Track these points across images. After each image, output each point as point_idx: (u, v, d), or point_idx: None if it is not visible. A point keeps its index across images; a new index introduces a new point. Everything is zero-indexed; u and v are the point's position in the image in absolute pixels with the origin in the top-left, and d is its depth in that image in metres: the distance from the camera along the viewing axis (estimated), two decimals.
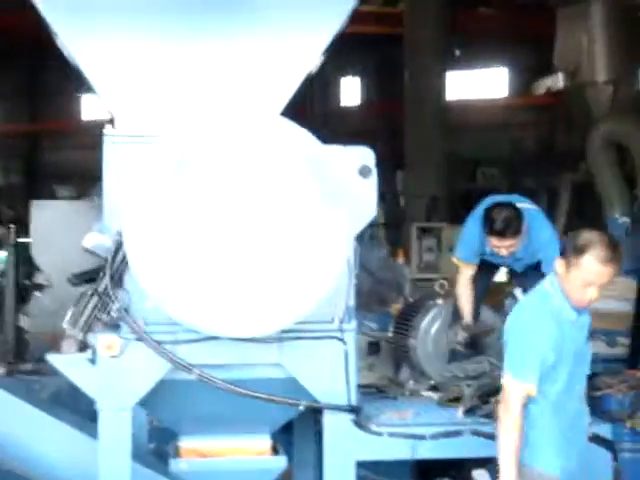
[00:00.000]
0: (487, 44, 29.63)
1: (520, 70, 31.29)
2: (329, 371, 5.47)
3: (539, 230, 6.60)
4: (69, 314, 5.41)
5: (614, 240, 4.63)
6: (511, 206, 6.42)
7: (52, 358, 5.37)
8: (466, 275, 6.76)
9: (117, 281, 5.35)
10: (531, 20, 26.19)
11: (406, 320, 7.23)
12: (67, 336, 5.35)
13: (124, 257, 5.27)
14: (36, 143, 35.77)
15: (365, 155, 5.59)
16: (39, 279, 12.51)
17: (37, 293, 12.39)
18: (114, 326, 5.39)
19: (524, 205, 6.57)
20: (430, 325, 6.99)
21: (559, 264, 4.67)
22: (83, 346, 5.40)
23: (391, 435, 5.59)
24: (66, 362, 5.36)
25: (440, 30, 21.93)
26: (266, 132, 5.04)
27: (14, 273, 12.14)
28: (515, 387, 4.67)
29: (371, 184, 5.54)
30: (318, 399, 5.48)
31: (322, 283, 5.02)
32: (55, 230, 11.99)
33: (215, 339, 5.23)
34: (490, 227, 6.34)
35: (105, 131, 5.46)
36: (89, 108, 34.95)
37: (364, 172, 5.46)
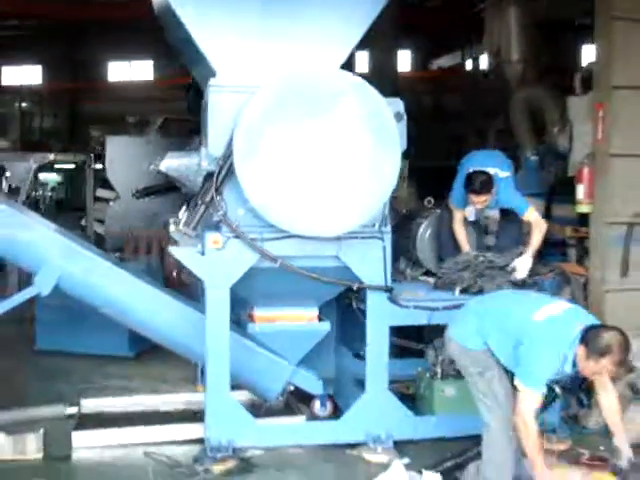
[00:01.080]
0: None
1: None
2: (372, 261, 5.42)
3: (504, 190, 6.56)
4: (184, 218, 5.18)
5: (627, 342, 4.14)
6: (486, 173, 6.41)
7: (173, 250, 5.19)
8: (459, 216, 6.70)
9: (219, 193, 5.09)
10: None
11: (404, 226, 7.10)
12: (183, 234, 5.12)
13: (225, 176, 5.08)
14: (76, 96, 35.06)
15: (398, 104, 5.38)
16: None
17: (111, 203, 12.24)
18: (216, 227, 5.27)
19: (495, 171, 6.52)
20: (426, 230, 6.87)
21: (581, 351, 4.11)
22: (194, 242, 5.19)
23: (415, 307, 5.57)
24: (183, 253, 5.19)
25: None
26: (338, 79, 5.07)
27: (93, 189, 11.94)
28: (530, 396, 4.19)
29: (402, 126, 5.32)
30: (363, 281, 5.39)
31: (378, 199, 5.15)
32: (123, 157, 11.86)
33: (290, 237, 5.22)
34: (471, 187, 6.34)
35: (210, 82, 5.14)
36: (113, 72, 34.32)
37: (398, 117, 5.28)
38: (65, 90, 34.54)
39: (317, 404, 6.12)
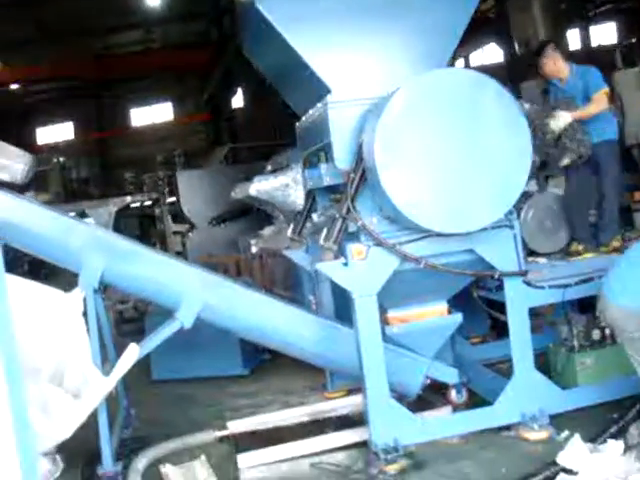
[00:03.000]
0: None
1: None
2: (504, 249, 5.08)
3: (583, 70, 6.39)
4: (323, 234, 4.88)
5: None
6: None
7: (319, 266, 4.88)
8: None
9: (353, 206, 4.81)
10: None
11: None
12: (325, 249, 4.80)
13: (356, 188, 4.78)
14: (105, 145, 35.13)
15: None
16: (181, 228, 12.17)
17: (190, 234, 12.01)
18: (352, 238, 4.97)
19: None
20: (527, 212, 6.57)
21: None
22: (336, 255, 4.87)
23: (550, 287, 5.24)
24: (328, 267, 4.88)
25: None
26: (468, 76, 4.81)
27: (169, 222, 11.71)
28: None
29: None
30: (498, 269, 5.06)
31: (515, 191, 4.81)
32: (194, 189, 11.65)
33: (427, 237, 4.85)
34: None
35: (328, 100, 4.85)
36: (136, 118, 34.38)
37: None
38: (95, 140, 34.59)
39: (453, 392, 5.82)
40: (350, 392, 6.36)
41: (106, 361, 5.46)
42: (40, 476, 5.39)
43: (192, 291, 5.32)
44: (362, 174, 4.80)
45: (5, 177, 5.27)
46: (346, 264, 4.88)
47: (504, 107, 4.64)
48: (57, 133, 34.53)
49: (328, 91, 4.95)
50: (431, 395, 5.90)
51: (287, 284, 8.60)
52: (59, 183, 29.83)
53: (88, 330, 5.17)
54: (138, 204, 17.31)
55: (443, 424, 5.25)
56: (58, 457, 5.63)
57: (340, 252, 4.92)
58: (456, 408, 5.66)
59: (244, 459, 5.23)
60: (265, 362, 8.11)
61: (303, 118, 5.86)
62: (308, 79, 5.07)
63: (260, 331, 5.57)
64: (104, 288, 5.73)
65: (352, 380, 6.03)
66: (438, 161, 4.58)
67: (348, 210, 4.83)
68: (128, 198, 10.82)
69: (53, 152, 31.24)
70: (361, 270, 4.87)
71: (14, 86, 29.99)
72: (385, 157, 4.51)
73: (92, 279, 5.26)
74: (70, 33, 25.20)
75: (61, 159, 31.20)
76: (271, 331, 5.53)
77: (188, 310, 5.30)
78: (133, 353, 5.08)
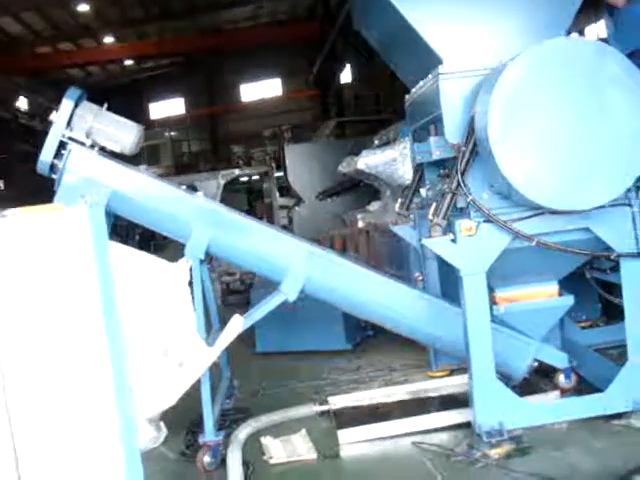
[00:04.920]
0: None
1: None
2: (622, 229, 4.83)
3: None
4: (432, 209, 4.72)
5: None
6: None
7: (427, 241, 4.73)
8: None
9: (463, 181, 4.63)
10: None
11: None
12: (433, 225, 4.64)
13: (467, 163, 4.60)
14: (216, 120, 35.74)
15: None
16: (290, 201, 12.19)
17: (297, 207, 12.04)
18: (461, 213, 4.81)
19: None
20: None
21: None
22: (444, 231, 4.71)
23: None
24: (436, 243, 4.73)
25: None
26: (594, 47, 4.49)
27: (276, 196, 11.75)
28: None
29: None
30: (615, 249, 4.80)
31: (638, 168, 4.51)
32: (302, 163, 11.65)
33: (540, 214, 4.63)
34: None
35: (440, 71, 4.66)
36: (246, 94, 34.78)
37: None
38: (205, 116, 35.21)
39: (562, 377, 5.58)
40: (453, 372, 6.23)
41: (211, 331, 5.49)
42: (145, 441, 5.50)
43: (297, 264, 5.27)
44: (473, 148, 4.62)
45: (115, 148, 5.33)
46: (454, 240, 4.72)
47: (629, 78, 4.35)
48: (169, 108, 35.33)
49: (439, 62, 4.77)
50: (538, 379, 5.70)
51: (393, 260, 8.48)
52: (170, 157, 30.68)
53: (193, 300, 5.22)
54: (246, 178, 17.52)
55: (550, 409, 5.03)
56: (162, 424, 5.71)
57: (448, 228, 4.75)
58: (564, 393, 5.44)
59: (345, 435, 5.17)
60: (369, 338, 8.03)
61: (412, 90, 5.70)
62: (419, 50, 4.91)
63: (363, 306, 5.49)
64: (210, 259, 5.77)
65: (456, 360, 5.90)
66: (555, 134, 4.35)
67: (458, 185, 4.66)
68: (236, 171, 10.88)
69: (165, 127, 32.10)
70: (470, 247, 4.70)
71: (128, 62, 30.81)
72: (499, 129, 4.31)
73: (198, 250, 5.28)
74: (182, 9, 25.64)
75: (172, 133, 32.08)
76: (375, 306, 5.44)
77: (292, 283, 5.26)
78: (237, 324, 5.09)
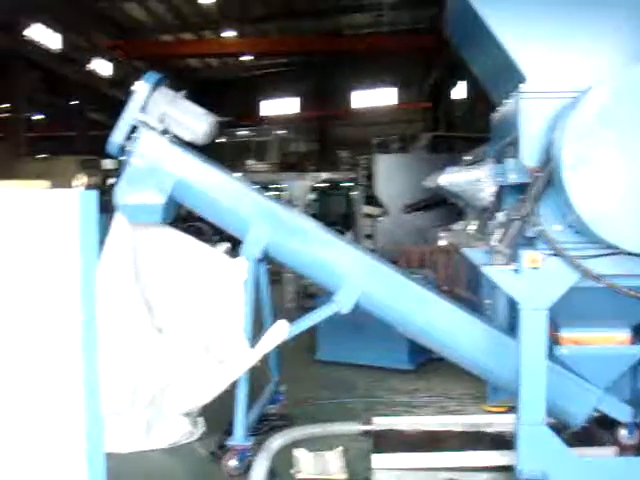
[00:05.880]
0: None
1: None
2: None
3: None
4: (496, 234, 4.42)
5: None
6: None
7: (487, 269, 4.41)
8: None
9: (534, 209, 4.28)
10: None
11: None
12: (496, 252, 4.34)
13: (541, 190, 4.27)
14: (324, 123, 35.89)
15: None
16: (375, 211, 11.95)
17: (380, 218, 11.81)
18: (529, 243, 4.45)
19: None
20: None
21: None
22: (508, 260, 4.38)
23: None
24: (496, 272, 4.43)
25: None
26: None
27: (362, 205, 11.54)
28: None
29: None
30: None
31: None
32: (391, 174, 11.42)
33: (615, 254, 4.22)
34: None
35: (521, 89, 4.34)
36: (358, 100, 34.85)
37: None
38: (315, 118, 35.40)
39: (624, 432, 5.15)
40: (512, 409, 5.86)
41: (259, 333, 5.33)
42: (178, 435, 5.39)
43: (354, 276, 5.06)
44: (549, 174, 4.28)
45: (186, 136, 5.24)
46: (517, 271, 4.39)
47: None
48: (279, 106, 35.68)
49: (523, 79, 4.46)
50: (597, 429, 5.29)
51: (470, 284, 8.14)
52: (277, 155, 30.92)
53: (247, 299, 5.08)
54: (347, 184, 17.38)
55: (604, 467, 4.62)
56: (200, 420, 5.60)
57: (513, 257, 4.43)
58: (624, 451, 5.02)
59: (379, 459, 4.91)
60: (432, 361, 7.73)
61: (497, 109, 5.39)
62: (504, 65, 4.61)
63: (419, 328, 5.22)
64: None
65: (514, 396, 5.55)
66: (638, 170, 3.97)
67: (529, 213, 4.34)
68: (324, 174, 10.73)
69: (274, 125, 32.39)
70: (533, 281, 4.35)
71: (245, 57, 31.25)
72: (574, 156, 3.96)
73: (255, 249, 5.14)
74: (304, 10, 25.78)
75: (281, 132, 32.33)
76: (430, 330, 5.16)
77: (347, 294, 5.05)
78: (282, 330, 4.92)
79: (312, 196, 27.17)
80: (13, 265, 2.04)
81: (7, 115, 24.46)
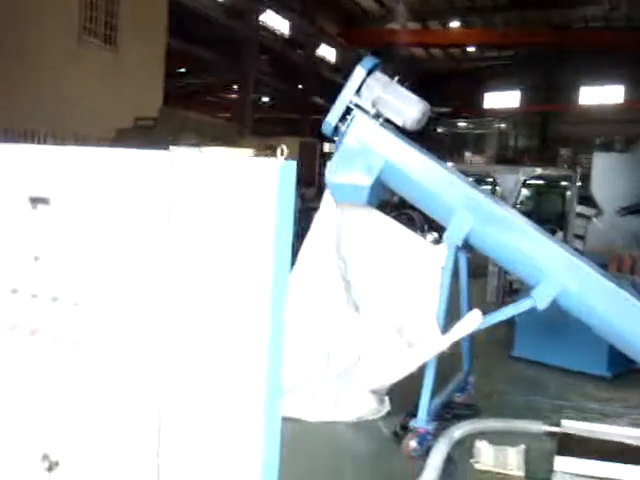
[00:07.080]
0: None
1: None
2: None
3: None
4: None
5: None
6: None
7: None
8: None
9: None
10: None
11: None
12: None
13: None
14: (547, 119, 34.73)
15: None
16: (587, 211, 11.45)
17: (594, 219, 11.33)
18: None
19: None
20: None
21: None
22: None
23: None
24: None
25: None
26: None
27: (576, 205, 11.11)
28: None
29: None
30: None
31: None
32: (609, 174, 10.90)
33: None
34: None
35: None
36: (584, 96, 33.39)
37: None
38: (538, 113, 34.34)
39: None
40: None
41: (453, 320, 5.33)
42: (364, 411, 5.52)
43: (553, 272, 4.91)
44: None
45: (398, 121, 5.32)
46: None
47: None
48: (502, 99, 34.91)
49: None
50: None
51: None
52: (495, 148, 30.39)
53: (442, 285, 5.10)
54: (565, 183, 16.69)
55: None
56: (386, 399, 5.70)
57: None
58: None
59: (562, 462, 4.75)
60: (632, 372, 7.33)
61: None
62: None
63: (619, 335, 4.98)
64: None
65: None
66: None
67: None
68: (538, 170, 10.40)
69: (495, 117, 31.82)
70: None
71: (470, 48, 30.85)
72: None
73: (457, 236, 5.13)
74: (531, 2, 25.03)
75: (501, 125, 31.72)
76: (634, 340, 4.90)
77: (545, 291, 4.91)
78: (474, 320, 4.90)
79: (526, 192, 26.55)
80: (210, 225, 2.17)
81: (236, 96, 25.74)
